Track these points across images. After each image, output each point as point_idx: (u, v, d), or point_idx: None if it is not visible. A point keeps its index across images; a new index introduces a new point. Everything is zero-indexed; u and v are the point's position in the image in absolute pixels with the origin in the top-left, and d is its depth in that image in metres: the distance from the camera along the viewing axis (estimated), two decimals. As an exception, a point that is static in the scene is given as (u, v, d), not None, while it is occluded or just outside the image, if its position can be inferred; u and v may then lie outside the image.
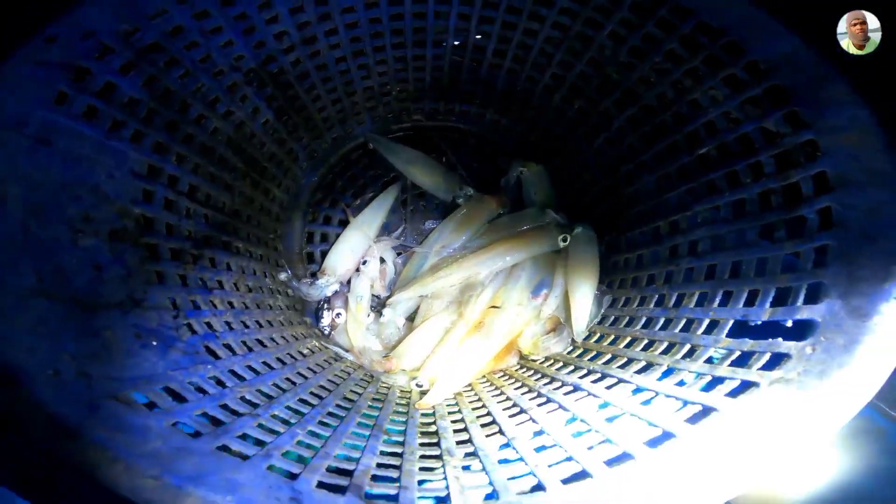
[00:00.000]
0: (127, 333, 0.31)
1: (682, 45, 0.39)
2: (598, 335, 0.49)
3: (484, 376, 0.52)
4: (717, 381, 0.32)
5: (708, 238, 0.41)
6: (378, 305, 0.59)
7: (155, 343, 0.32)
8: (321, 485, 0.28)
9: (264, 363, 0.41)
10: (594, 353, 0.46)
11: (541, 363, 0.51)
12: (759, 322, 0.34)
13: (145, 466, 0.22)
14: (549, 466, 0.31)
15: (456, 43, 0.52)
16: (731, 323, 0.36)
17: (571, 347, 0.51)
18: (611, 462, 0.29)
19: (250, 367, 0.39)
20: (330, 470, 0.30)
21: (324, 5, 0.44)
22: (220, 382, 0.35)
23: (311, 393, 0.42)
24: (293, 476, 0.27)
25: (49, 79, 0.30)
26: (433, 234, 0.60)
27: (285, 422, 0.35)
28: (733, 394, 0.30)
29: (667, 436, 0.29)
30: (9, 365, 0.23)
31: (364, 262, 0.59)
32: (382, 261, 0.60)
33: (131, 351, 0.30)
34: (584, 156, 0.55)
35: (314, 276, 0.58)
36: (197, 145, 0.43)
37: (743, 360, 0.32)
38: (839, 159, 0.32)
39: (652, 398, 0.34)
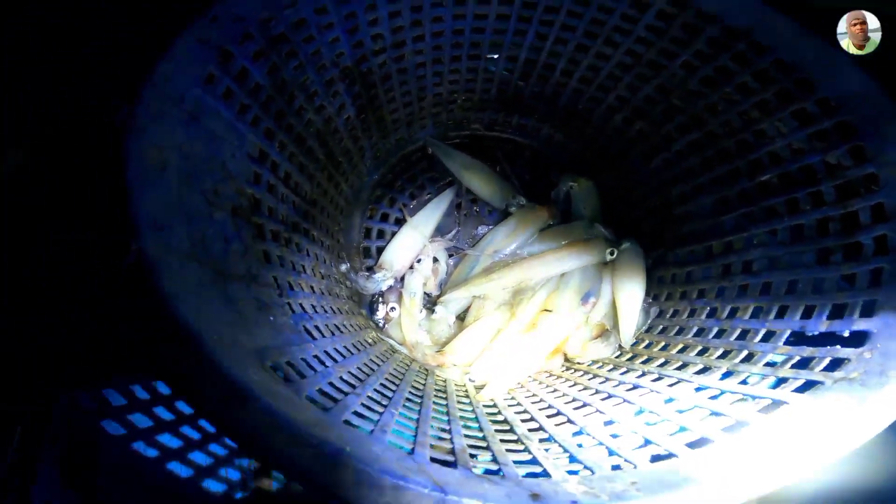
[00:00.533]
0: (253, 307, 0.33)
1: (754, 78, 0.43)
2: (647, 342, 0.52)
3: (531, 377, 0.55)
4: (781, 380, 0.35)
5: (764, 258, 0.44)
6: (429, 303, 0.61)
7: (272, 318, 0.35)
8: (433, 460, 0.30)
9: (345, 347, 0.43)
10: (645, 357, 0.49)
11: (588, 366, 0.54)
12: (816, 333, 0.38)
13: (304, 436, 0.24)
14: (633, 449, 0.33)
15: (527, 58, 0.55)
16: (787, 333, 0.39)
17: (619, 353, 0.54)
18: (692, 445, 0.31)
19: (337, 350, 0.41)
20: (433, 447, 0.32)
21: (418, 13, 0.48)
22: (321, 361, 0.37)
23: (387, 379, 0.44)
24: (410, 452, 0.30)
25: (205, 59, 0.33)
26: (485, 238, 0.63)
27: (379, 403, 0.37)
28: (801, 390, 0.33)
29: (740, 424, 0.32)
30: (186, 326, 0.25)
31: (418, 261, 0.61)
32: (435, 260, 0.62)
33: (259, 322, 0.32)
34: (638, 175, 0.59)
35: (370, 269, 0.61)
36: (294, 135, 0.45)
37: (803, 364, 0.36)
38: (896, 191, 0.35)
39: (718, 395, 0.38)
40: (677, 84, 0.49)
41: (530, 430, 0.40)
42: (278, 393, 0.26)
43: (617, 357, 0.53)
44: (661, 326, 0.52)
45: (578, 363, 0.55)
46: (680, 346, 0.47)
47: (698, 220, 0.52)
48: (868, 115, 0.37)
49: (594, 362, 0.54)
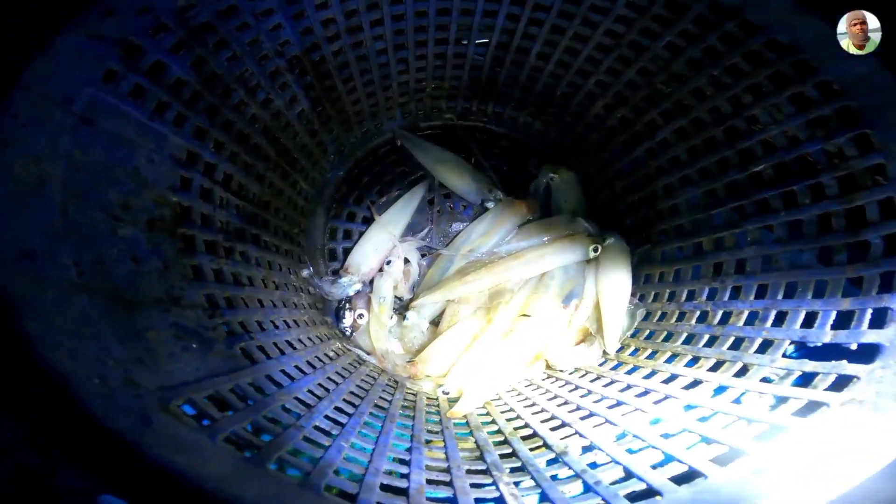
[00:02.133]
0: (168, 335, 0.28)
1: (746, 60, 0.38)
2: (633, 348, 0.48)
3: (511, 386, 0.51)
4: (780, 400, 0.31)
5: (759, 258, 0.40)
6: (401, 308, 0.57)
7: (195, 346, 0.30)
8: (378, 504, 0.26)
9: (297, 367, 0.39)
10: (630, 366, 0.45)
11: (570, 374, 0.50)
12: (819, 344, 0.34)
13: (208, 494, 0.20)
14: (611, 484, 0.29)
15: (499, 41, 0.50)
16: (786, 343, 0.35)
17: (604, 360, 0.50)
18: (679, 480, 0.28)
19: (284, 372, 0.37)
20: (384, 489, 0.28)
21: (373, -8, 0.42)
22: (259, 389, 0.32)
23: (345, 400, 0.40)
24: (352, 498, 0.26)
25: (100, 54, 0.28)
26: (460, 236, 0.59)
27: (328, 433, 0.33)
28: (802, 413, 0.29)
29: (735, 453, 0.28)
30: (53, 372, 0.20)
31: (388, 262, 0.57)
32: (407, 261, 0.58)
33: (174, 355, 0.28)
34: (621, 164, 0.54)
35: (336, 273, 0.56)
36: (235, 132, 0.41)
37: (805, 381, 0.32)
38: (910, 185, 0.31)
39: (709, 416, 0.34)
40: (661, 67, 0.44)
41: (502, 457, 0.36)
42: (181, 440, 0.22)
43: (601, 365, 0.49)
44: (648, 331, 0.48)
45: (560, 371, 0.51)
46: (668, 354, 0.43)
47: (686, 215, 0.48)
48: (876, 101, 0.33)
49: (576, 370, 0.50)
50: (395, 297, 0.57)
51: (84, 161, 0.27)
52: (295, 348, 0.42)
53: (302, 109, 0.48)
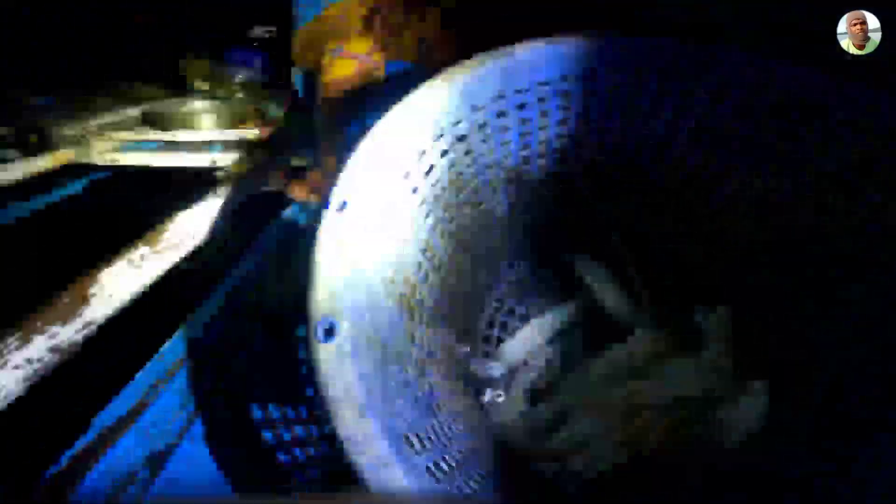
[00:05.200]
0: (399, 383, 0.39)
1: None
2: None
3: None
4: None
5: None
6: (535, 399, 0.63)
7: (409, 395, 0.40)
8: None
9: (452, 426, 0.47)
10: None
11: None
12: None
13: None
14: None
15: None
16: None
17: None
18: None
19: (449, 428, 0.45)
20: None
21: (583, 120, 0.53)
22: (439, 436, 0.41)
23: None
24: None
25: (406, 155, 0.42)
26: (602, 354, 0.64)
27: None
28: None
29: None
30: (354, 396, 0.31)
31: (534, 358, 0.64)
32: (549, 361, 0.64)
33: (404, 398, 0.38)
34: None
35: (487, 356, 0.65)
36: (454, 226, 0.52)
37: None
38: None
39: None
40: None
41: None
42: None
43: None
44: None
45: None
46: None
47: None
48: None
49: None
50: (532, 388, 0.64)
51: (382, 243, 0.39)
52: (455, 411, 0.50)
53: (500, 215, 0.59)
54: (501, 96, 0.47)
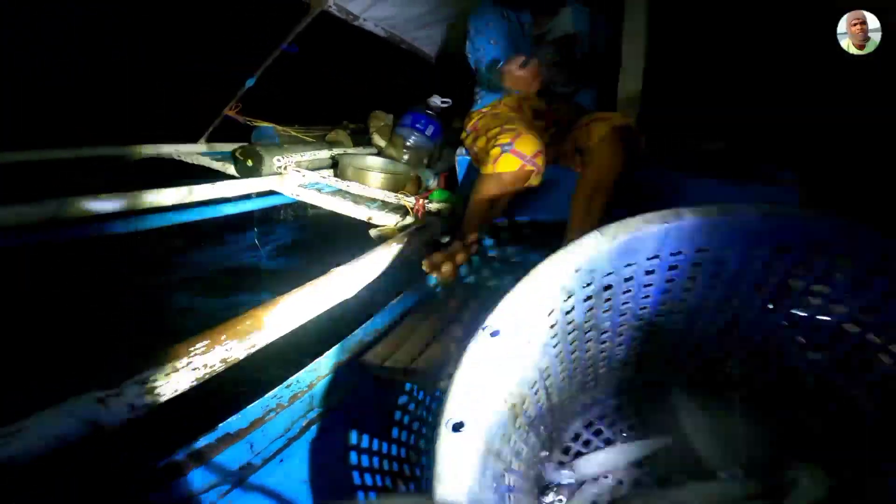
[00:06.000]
0: (498, 479, 0.48)
1: None
2: None
3: None
4: None
5: None
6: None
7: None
8: None
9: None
10: None
11: None
12: None
13: None
14: None
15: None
16: None
17: None
18: None
19: None
20: None
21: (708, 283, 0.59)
22: None
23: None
24: None
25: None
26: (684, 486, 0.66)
27: None
28: None
29: None
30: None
31: (605, 477, 0.70)
32: (619, 482, 0.70)
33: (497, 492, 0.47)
34: None
35: (561, 464, 0.72)
36: (571, 357, 0.62)
37: None
38: None
39: None
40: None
41: None
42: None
43: None
44: None
45: None
46: None
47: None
48: None
49: None
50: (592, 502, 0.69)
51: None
52: None
53: (607, 354, 0.68)
54: (656, 256, 0.53)
